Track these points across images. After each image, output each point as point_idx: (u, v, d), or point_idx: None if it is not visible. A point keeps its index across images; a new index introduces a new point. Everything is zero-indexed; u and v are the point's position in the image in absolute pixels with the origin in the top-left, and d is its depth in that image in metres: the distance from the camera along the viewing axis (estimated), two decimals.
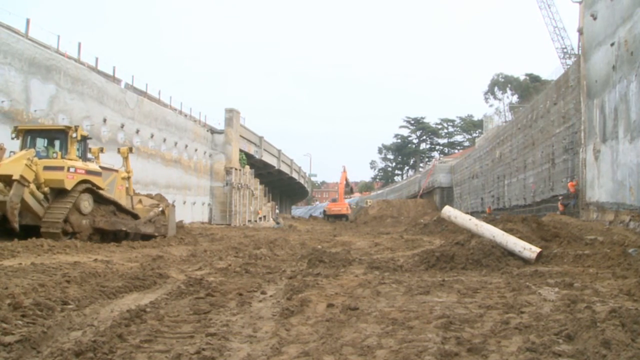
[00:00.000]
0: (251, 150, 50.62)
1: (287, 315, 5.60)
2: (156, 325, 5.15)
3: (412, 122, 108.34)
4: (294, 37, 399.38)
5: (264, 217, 51.85)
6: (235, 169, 44.36)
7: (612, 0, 18.16)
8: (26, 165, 13.07)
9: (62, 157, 14.52)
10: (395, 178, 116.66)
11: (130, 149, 18.62)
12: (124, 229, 15.95)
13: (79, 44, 28.99)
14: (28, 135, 14.97)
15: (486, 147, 47.55)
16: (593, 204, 20.53)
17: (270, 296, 6.98)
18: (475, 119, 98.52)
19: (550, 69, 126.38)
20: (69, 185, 14.09)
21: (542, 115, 31.06)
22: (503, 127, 46.57)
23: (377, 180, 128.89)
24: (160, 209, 18.23)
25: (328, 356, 4.16)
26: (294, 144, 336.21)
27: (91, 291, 6.74)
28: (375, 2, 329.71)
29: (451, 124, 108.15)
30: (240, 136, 46.66)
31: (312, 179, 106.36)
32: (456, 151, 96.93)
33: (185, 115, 42.20)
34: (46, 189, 13.94)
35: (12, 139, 14.97)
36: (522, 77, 76.61)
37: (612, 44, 17.86)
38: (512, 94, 77.97)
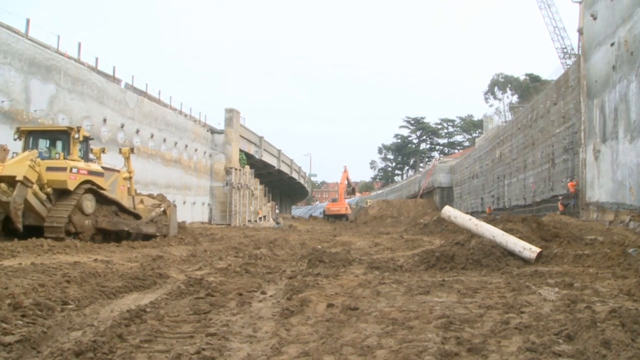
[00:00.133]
0: (251, 150, 50.63)
1: (287, 315, 5.60)
2: (156, 325, 5.15)
3: (412, 122, 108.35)
4: (294, 37, 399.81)
5: (264, 217, 51.86)
6: (235, 169, 44.37)
7: (612, 0, 18.16)
8: (29, 166, 13.14)
9: (65, 158, 14.59)
10: (395, 178, 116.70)
11: (132, 150, 18.67)
12: (126, 229, 16.02)
13: (79, 44, 29.07)
14: (30, 136, 15.05)
15: (486, 147, 47.56)
16: (593, 204, 20.53)
17: (270, 296, 6.98)
18: (475, 119, 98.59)
19: (550, 69, 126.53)
20: (71, 186, 14.17)
21: (542, 115, 31.06)
22: (503, 127, 46.57)
23: (377, 180, 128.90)
24: (162, 209, 18.30)
25: (328, 356, 4.16)
26: (294, 144, 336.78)
27: (91, 291, 6.74)
28: (375, 2, 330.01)
29: (451, 124, 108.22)
30: (240, 136, 46.67)
31: (312, 179, 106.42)
32: (456, 151, 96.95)
33: (185, 115, 42.21)
34: (49, 190, 14.02)
35: (15, 139, 15.04)
36: (522, 77, 76.67)
37: (612, 44, 17.87)
38: (512, 94, 77.99)
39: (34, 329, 4.68)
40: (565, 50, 57.65)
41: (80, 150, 15.22)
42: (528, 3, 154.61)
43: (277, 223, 47.65)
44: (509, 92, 79.02)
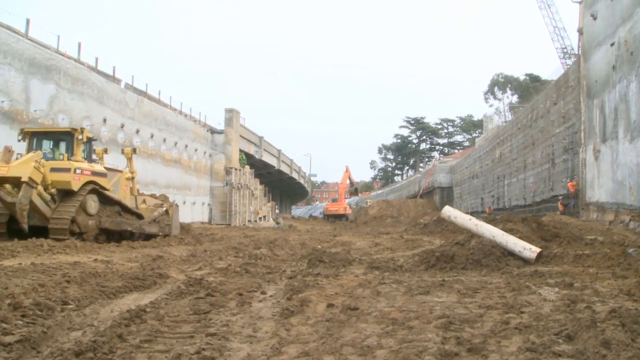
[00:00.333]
0: (251, 150, 50.63)
1: (287, 315, 5.60)
2: (156, 325, 5.15)
3: (412, 122, 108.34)
4: (294, 37, 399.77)
5: (264, 217, 51.86)
6: (235, 169, 44.37)
7: (612, 0, 18.16)
8: (34, 167, 13.28)
9: (69, 159, 14.73)
10: (395, 178, 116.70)
11: (134, 150, 18.76)
12: (129, 229, 16.16)
13: (79, 44, 29.06)
14: (34, 137, 15.16)
15: (486, 147, 47.56)
16: (593, 204, 20.53)
17: (270, 296, 6.98)
18: (475, 119, 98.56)
19: (550, 69, 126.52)
20: (75, 187, 14.30)
21: (542, 115, 31.06)
22: (503, 127, 46.57)
23: (377, 180, 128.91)
24: (164, 208, 18.41)
25: (328, 356, 4.16)
26: (294, 144, 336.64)
27: (91, 291, 6.74)
28: (375, 2, 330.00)
29: (451, 124, 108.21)
30: (240, 136, 46.67)
31: (312, 179, 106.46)
32: (456, 151, 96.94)
33: (185, 115, 42.21)
34: (53, 190, 14.16)
35: (19, 140, 15.18)
36: (522, 77, 76.67)
37: (612, 44, 17.87)
38: (512, 94, 77.99)
39: (34, 329, 4.68)
40: (565, 50, 57.67)
41: (83, 151, 15.37)
42: (528, 3, 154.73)
43: (277, 223, 47.64)
44: (509, 92, 79.06)
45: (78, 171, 14.44)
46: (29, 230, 13.44)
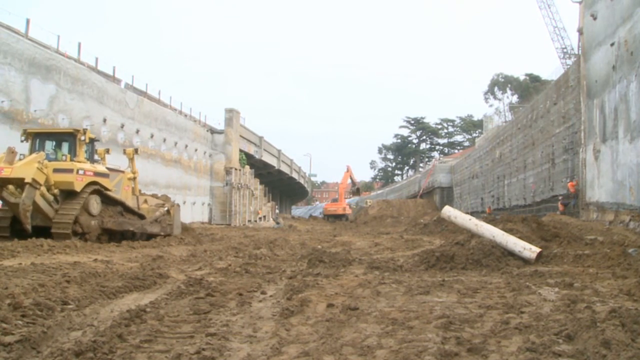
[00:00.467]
0: (251, 150, 50.64)
1: (287, 315, 5.60)
2: (156, 325, 5.15)
3: (412, 122, 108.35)
4: (294, 37, 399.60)
5: (264, 217, 51.86)
6: (235, 169, 44.37)
7: (612, 0, 18.16)
8: (37, 168, 13.36)
9: (71, 160, 14.80)
10: (395, 178, 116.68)
11: (136, 150, 18.83)
12: (131, 229, 16.23)
13: (79, 44, 29.08)
14: (37, 138, 15.21)
15: (486, 147, 47.56)
16: (593, 204, 20.53)
17: (270, 296, 6.98)
18: (475, 119, 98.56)
19: (550, 69, 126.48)
20: (78, 187, 14.37)
21: (542, 115, 31.06)
22: (503, 127, 46.58)
23: (377, 180, 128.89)
24: (166, 208, 18.49)
25: (328, 356, 4.16)
26: (294, 144, 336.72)
27: (91, 291, 6.74)
28: (375, 2, 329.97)
29: (451, 124, 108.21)
30: (240, 136, 46.68)
31: (312, 179, 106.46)
32: (456, 151, 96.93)
33: (185, 115, 42.22)
34: (56, 191, 14.24)
35: (22, 141, 15.24)
36: (522, 77, 76.66)
37: (612, 44, 17.87)
38: (512, 94, 77.99)
39: (34, 329, 4.68)
40: (565, 50, 57.68)
41: (86, 151, 15.46)
42: (528, 3, 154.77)
43: (277, 223, 47.65)
44: (509, 92, 79.06)
45: (81, 172, 14.53)
46: (33, 231, 13.50)
